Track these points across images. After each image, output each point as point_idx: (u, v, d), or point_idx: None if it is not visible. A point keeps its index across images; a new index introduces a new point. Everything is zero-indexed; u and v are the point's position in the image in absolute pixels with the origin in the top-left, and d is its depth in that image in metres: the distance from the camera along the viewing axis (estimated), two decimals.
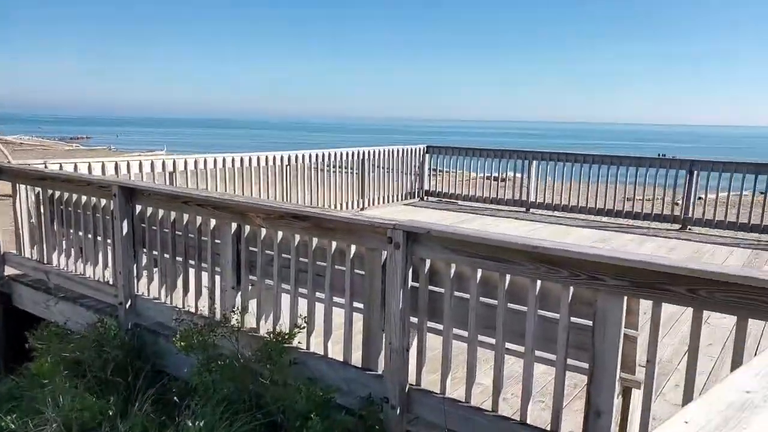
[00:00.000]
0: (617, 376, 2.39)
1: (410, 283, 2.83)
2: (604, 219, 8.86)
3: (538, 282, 2.49)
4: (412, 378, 2.91)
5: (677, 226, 8.25)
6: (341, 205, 8.81)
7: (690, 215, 8.14)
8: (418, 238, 2.76)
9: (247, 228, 3.48)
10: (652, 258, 2.16)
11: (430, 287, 2.85)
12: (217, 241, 3.66)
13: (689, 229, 8.16)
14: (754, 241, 7.57)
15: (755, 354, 3.65)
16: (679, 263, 2.09)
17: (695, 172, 8.02)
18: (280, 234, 3.32)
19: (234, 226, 3.53)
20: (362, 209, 9.19)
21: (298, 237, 3.23)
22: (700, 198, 8.60)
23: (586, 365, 2.45)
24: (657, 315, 2.22)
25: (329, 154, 8.67)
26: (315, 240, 3.19)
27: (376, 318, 2.98)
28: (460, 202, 10.31)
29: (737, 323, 2.06)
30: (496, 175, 10.29)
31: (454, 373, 3.02)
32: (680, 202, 8.24)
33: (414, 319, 2.88)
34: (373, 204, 9.48)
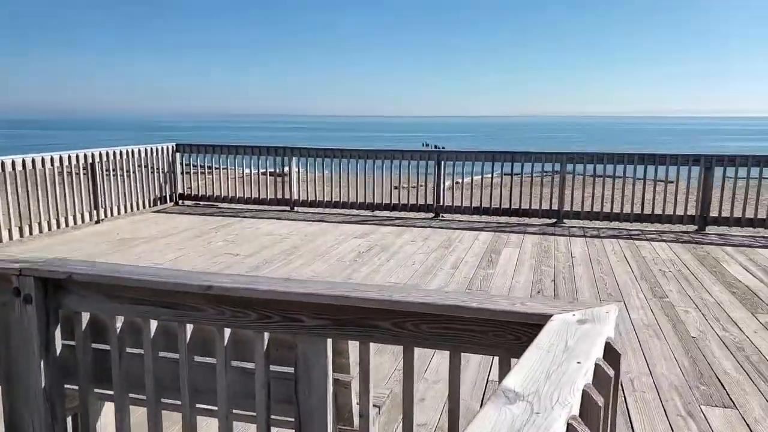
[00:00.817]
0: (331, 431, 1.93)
1: (61, 343, 2.04)
2: (367, 213, 8.82)
3: (227, 330, 1.91)
4: None
5: (431, 215, 8.54)
6: (68, 219, 7.33)
7: (441, 203, 8.48)
8: (63, 285, 1.98)
9: None
10: (350, 291, 1.71)
11: (96, 346, 2.09)
12: None
13: (441, 216, 8.49)
14: (495, 223, 8.14)
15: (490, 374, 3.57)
16: (379, 295, 1.67)
17: (442, 162, 8.35)
18: None
19: None
20: (98, 222, 7.81)
21: None
22: (457, 183, 9.02)
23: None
24: (366, 358, 1.79)
25: (42, 159, 7.10)
26: None
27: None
28: (219, 205, 9.47)
29: (450, 359, 1.71)
30: (271, 170, 9.64)
31: None
32: (433, 190, 8.54)
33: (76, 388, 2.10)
34: (113, 214, 8.12)
